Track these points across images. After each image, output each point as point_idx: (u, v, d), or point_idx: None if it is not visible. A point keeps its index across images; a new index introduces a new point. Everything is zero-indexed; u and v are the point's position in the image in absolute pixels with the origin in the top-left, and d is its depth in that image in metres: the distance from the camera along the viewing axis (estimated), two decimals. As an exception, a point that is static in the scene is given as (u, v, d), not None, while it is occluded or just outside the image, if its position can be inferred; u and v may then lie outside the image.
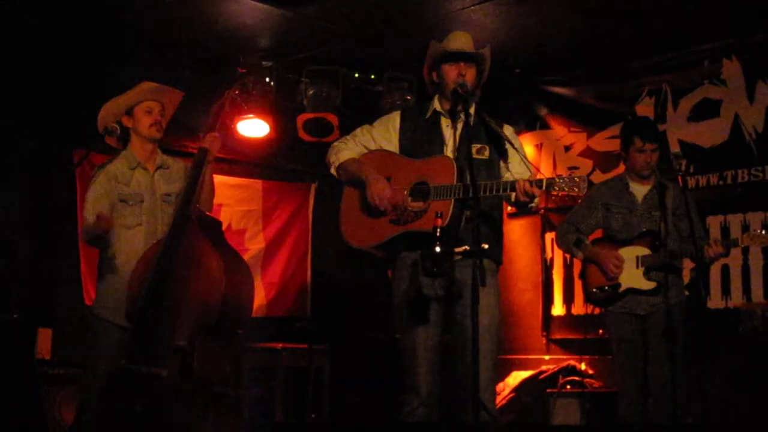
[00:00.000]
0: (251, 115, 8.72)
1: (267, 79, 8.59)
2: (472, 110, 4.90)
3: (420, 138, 4.96)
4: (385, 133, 5.06)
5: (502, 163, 4.97)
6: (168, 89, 5.61)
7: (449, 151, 4.86)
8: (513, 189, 4.58)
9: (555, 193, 4.62)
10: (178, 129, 5.67)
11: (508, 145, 4.95)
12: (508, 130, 5.03)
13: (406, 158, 4.90)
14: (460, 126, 4.86)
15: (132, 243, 5.37)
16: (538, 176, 4.63)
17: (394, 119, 5.10)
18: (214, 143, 5.40)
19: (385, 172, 4.86)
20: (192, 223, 5.04)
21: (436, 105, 5.02)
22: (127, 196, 5.42)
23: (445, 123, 4.97)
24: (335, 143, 5.14)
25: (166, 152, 5.75)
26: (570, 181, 4.51)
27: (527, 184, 4.52)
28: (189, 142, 7.69)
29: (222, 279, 4.86)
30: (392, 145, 5.02)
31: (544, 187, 4.54)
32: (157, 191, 5.52)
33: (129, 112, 5.50)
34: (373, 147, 5.04)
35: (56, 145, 7.59)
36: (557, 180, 4.53)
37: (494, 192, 4.64)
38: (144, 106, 5.49)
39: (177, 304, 4.85)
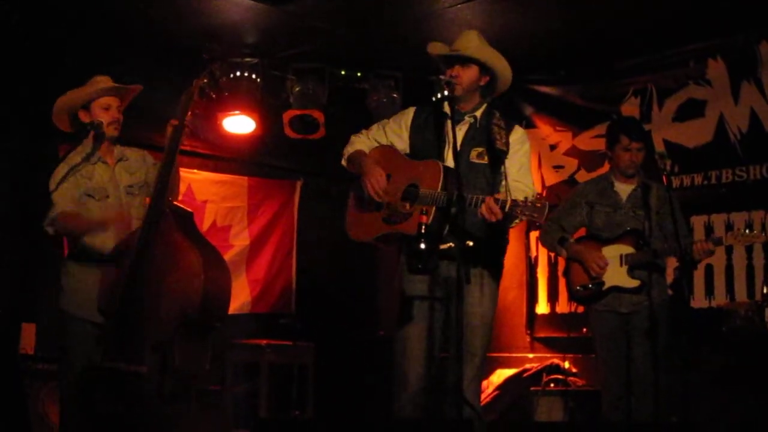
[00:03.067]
0: (237, 112, 8.71)
1: (253, 76, 8.58)
2: (478, 113, 4.93)
3: (426, 138, 4.99)
4: (397, 129, 5.08)
5: (504, 169, 4.89)
6: (127, 86, 5.49)
7: (450, 153, 4.80)
8: (478, 205, 4.51)
9: (517, 214, 4.43)
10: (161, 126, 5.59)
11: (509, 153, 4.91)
12: (517, 133, 4.99)
13: (407, 159, 4.93)
14: (462, 129, 4.87)
15: (100, 239, 5.25)
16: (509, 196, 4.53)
17: (408, 115, 5.12)
18: (189, 121, 5.22)
19: (387, 170, 4.87)
20: (166, 216, 4.98)
21: (445, 106, 4.98)
22: (92, 191, 5.32)
23: (449, 125, 4.93)
24: (352, 136, 5.18)
25: (145, 147, 5.73)
26: (532, 207, 4.37)
27: (492, 202, 4.45)
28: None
29: (201, 272, 4.80)
30: (403, 141, 5.05)
31: (507, 209, 4.41)
32: (120, 184, 5.42)
33: (86, 107, 5.38)
34: (384, 142, 5.07)
35: (41, 140, 7.55)
36: (520, 203, 4.39)
37: (469, 206, 4.55)
38: (102, 103, 5.36)
39: (155, 300, 4.80)
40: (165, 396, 4.69)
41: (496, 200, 4.46)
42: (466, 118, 4.84)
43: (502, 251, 5.03)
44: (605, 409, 6.17)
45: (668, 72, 8.34)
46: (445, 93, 4.77)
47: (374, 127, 5.17)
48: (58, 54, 7.71)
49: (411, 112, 5.13)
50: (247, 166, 9.54)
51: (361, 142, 5.07)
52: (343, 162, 5.10)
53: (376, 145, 5.07)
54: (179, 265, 4.87)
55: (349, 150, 5.08)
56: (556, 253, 6.77)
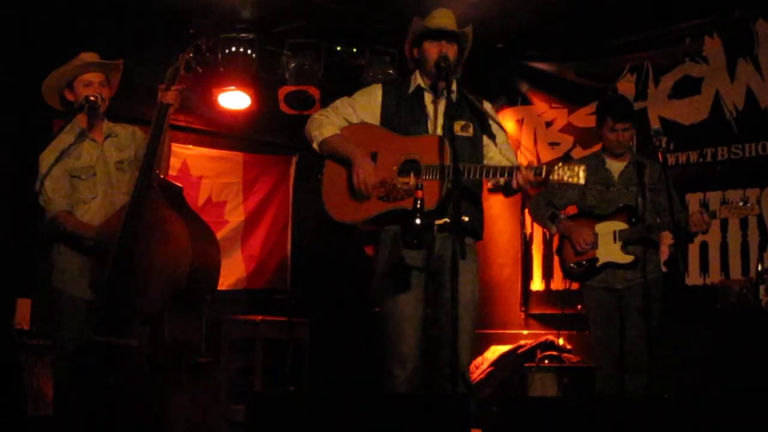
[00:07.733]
0: (232, 88, 8.69)
1: (249, 52, 8.55)
2: (453, 87, 4.90)
3: (403, 113, 4.92)
4: (366, 106, 4.99)
5: (485, 140, 4.98)
6: (108, 61, 5.43)
7: (434, 127, 4.84)
8: (511, 174, 4.58)
9: (554, 180, 4.53)
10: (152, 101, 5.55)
11: (492, 123, 4.97)
12: (487, 106, 5.03)
13: (393, 134, 4.85)
14: (443, 102, 4.86)
15: (88, 216, 5.26)
16: (536, 163, 4.64)
17: (376, 92, 5.04)
18: (176, 98, 5.19)
19: (371, 147, 4.81)
20: (154, 191, 4.97)
21: (419, 81, 4.98)
22: (79, 171, 5.30)
23: (428, 99, 4.94)
24: (315, 116, 5.05)
25: (135, 123, 5.70)
26: (570, 169, 4.48)
27: (528, 172, 4.52)
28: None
29: (189, 245, 4.81)
30: (374, 118, 4.97)
31: (543, 176, 4.51)
32: (109, 161, 5.41)
33: (70, 86, 5.37)
34: (354, 120, 4.97)
35: (36, 115, 7.53)
36: (557, 168, 4.50)
37: (491, 176, 4.65)
38: (83, 80, 5.33)
39: (144, 273, 4.81)
40: (156, 369, 4.70)
41: (531, 168, 4.54)
42: (444, 92, 4.82)
43: (482, 228, 5.05)
44: (599, 385, 6.19)
45: (664, 49, 8.33)
46: (458, 71, 4.79)
47: (338, 104, 5.05)
48: (53, 29, 7.67)
49: (378, 88, 5.06)
50: (242, 141, 9.54)
51: (331, 123, 4.94)
52: (315, 146, 4.95)
53: (346, 124, 4.97)
54: (167, 239, 4.87)
55: (323, 133, 4.91)
56: (545, 228, 6.78)
